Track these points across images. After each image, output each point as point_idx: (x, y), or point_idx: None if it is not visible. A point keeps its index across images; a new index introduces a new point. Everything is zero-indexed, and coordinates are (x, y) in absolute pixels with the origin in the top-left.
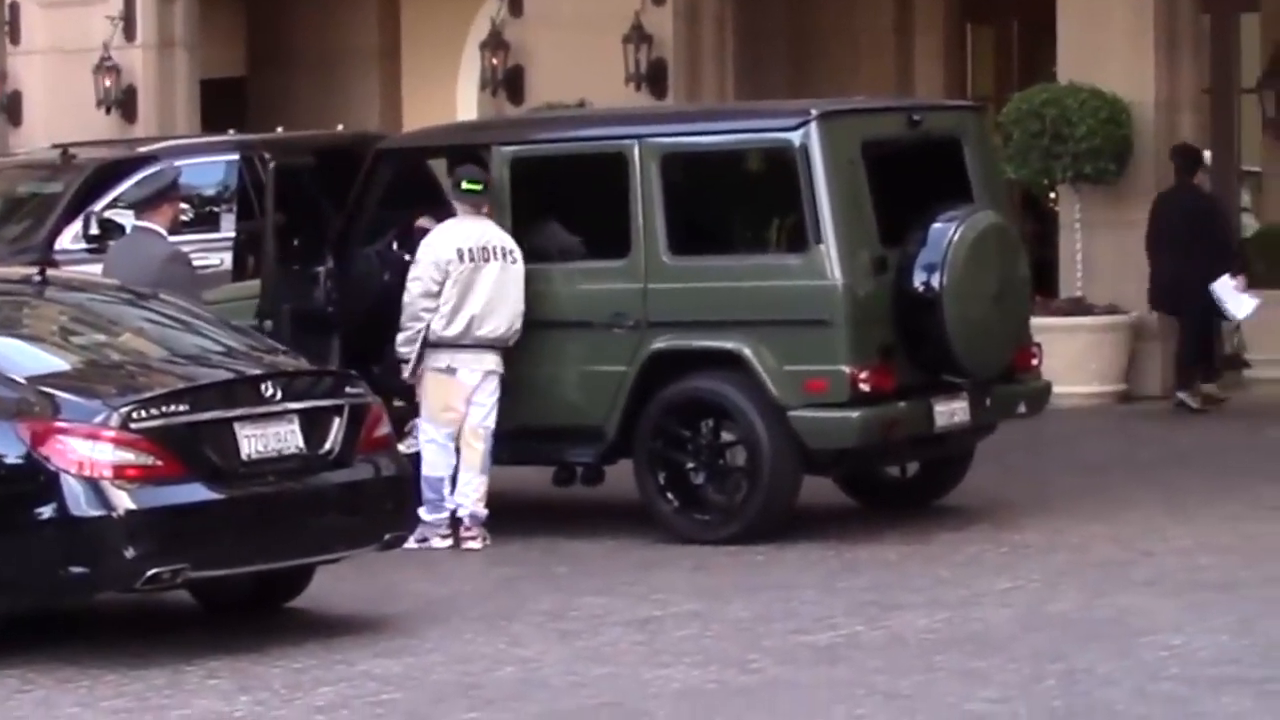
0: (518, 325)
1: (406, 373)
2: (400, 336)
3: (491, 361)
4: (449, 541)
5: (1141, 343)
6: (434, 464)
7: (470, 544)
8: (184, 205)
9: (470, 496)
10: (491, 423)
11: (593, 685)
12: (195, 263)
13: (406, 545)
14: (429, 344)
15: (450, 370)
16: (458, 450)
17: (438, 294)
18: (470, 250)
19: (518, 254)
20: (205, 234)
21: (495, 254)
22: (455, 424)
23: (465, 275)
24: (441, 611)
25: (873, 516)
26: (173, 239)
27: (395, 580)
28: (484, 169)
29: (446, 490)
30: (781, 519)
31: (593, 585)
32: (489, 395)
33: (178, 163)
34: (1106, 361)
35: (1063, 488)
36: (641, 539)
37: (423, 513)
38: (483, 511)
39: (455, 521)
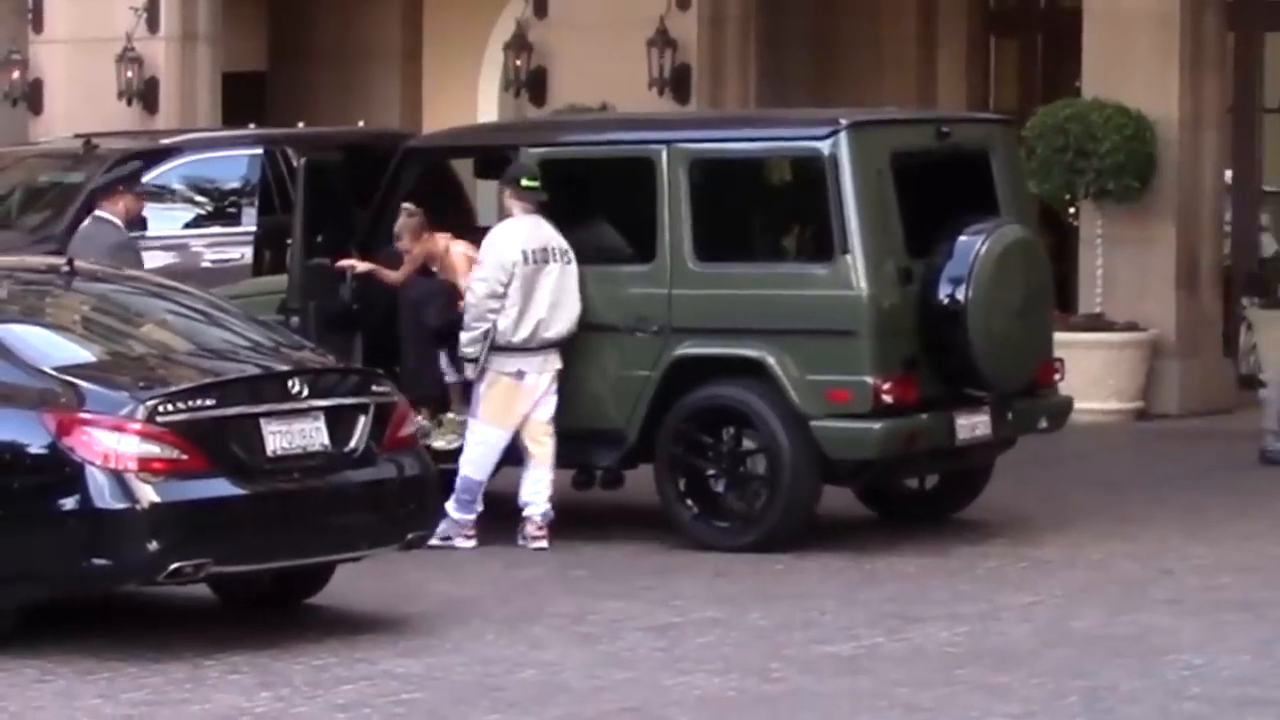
0: (576, 324)
1: (471, 372)
2: (465, 337)
3: (557, 361)
4: (473, 543)
5: (1160, 360)
6: (479, 466)
7: (539, 543)
8: (142, 200)
9: (540, 495)
10: (552, 418)
11: (614, 690)
12: (216, 256)
13: (430, 542)
14: (495, 348)
15: (519, 374)
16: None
17: (503, 295)
18: (533, 252)
19: (571, 253)
20: (226, 228)
21: (554, 255)
22: (516, 427)
23: (528, 277)
24: (463, 612)
25: (891, 528)
26: (194, 231)
27: (417, 580)
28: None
29: (480, 492)
30: (801, 528)
31: (612, 590)
32: (553, 393)
33: (201, 155)
34: (1124, 378)
35: (1081, 504)
36: (660, 545)
37: (451, 508)
38: (552, 511)
39: (521, 519)
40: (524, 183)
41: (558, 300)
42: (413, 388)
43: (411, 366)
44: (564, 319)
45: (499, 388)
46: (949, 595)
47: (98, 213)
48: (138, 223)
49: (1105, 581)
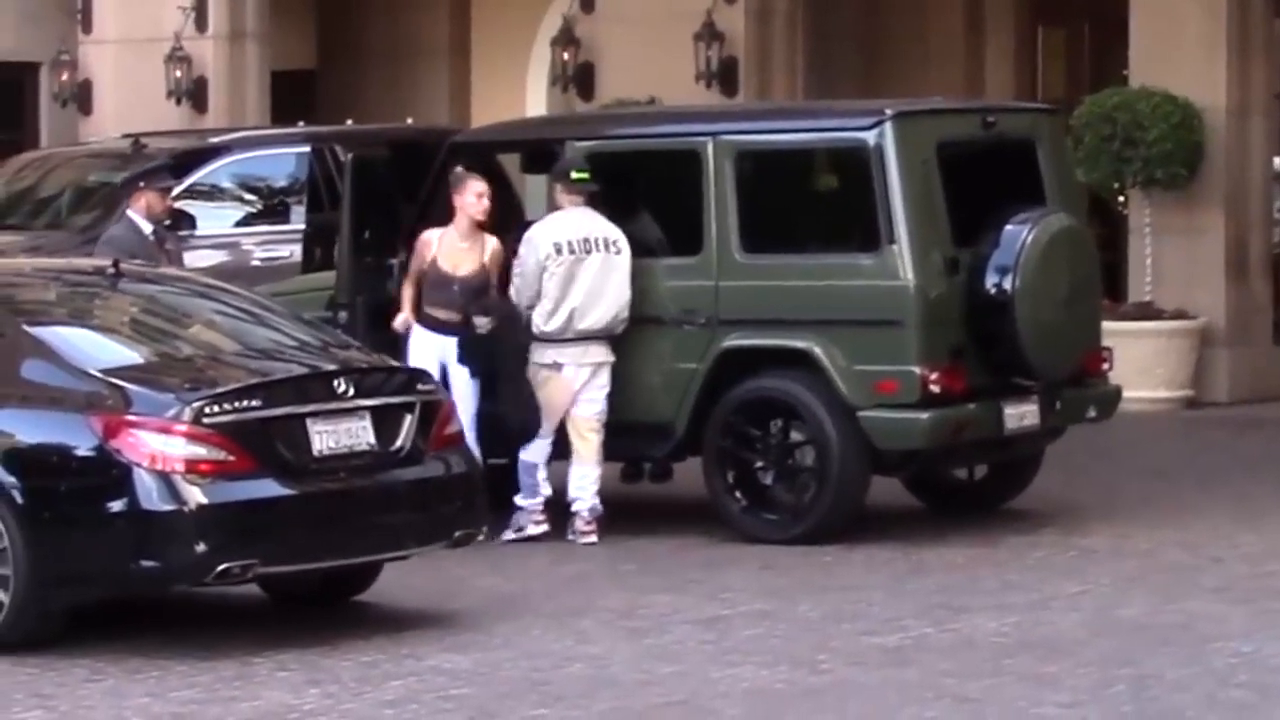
0: (624, 314)
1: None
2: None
3: (599, 353)
4: (545, 527)
5: (1209, 349)
6: (531, 450)
7: (588, 538)
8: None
9: (587, 490)
10: (603, 414)
11: (661, 683)
12: (265, 254)
13: (504, 537)
14: (534, 339)
15: (556, 366)
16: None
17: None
18: (570, 243)
19: (623, 243)
20: (275, 226)
21: (598, 245)
22: (557, 418)
23: (565, 269)
24: (510, 608)
25: (940, 519)
26: (243, 229)
27: (464, 576)
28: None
29: (542, 475)
30: (849, 519)
31: (660, 583)
32: (599, 388)
33: (249, 154)
34: (1174, 367)
35: (1131, 492)
36: (709, 537)
37: (518, 499)
38: (599, 506)
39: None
40: (574, 175)
41: (597, 290)
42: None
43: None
44: (603, 309)
45: (538, 380)
46: (997, 585)
47: (127, 211)
48: (185, 221)
49: (1154, 570)
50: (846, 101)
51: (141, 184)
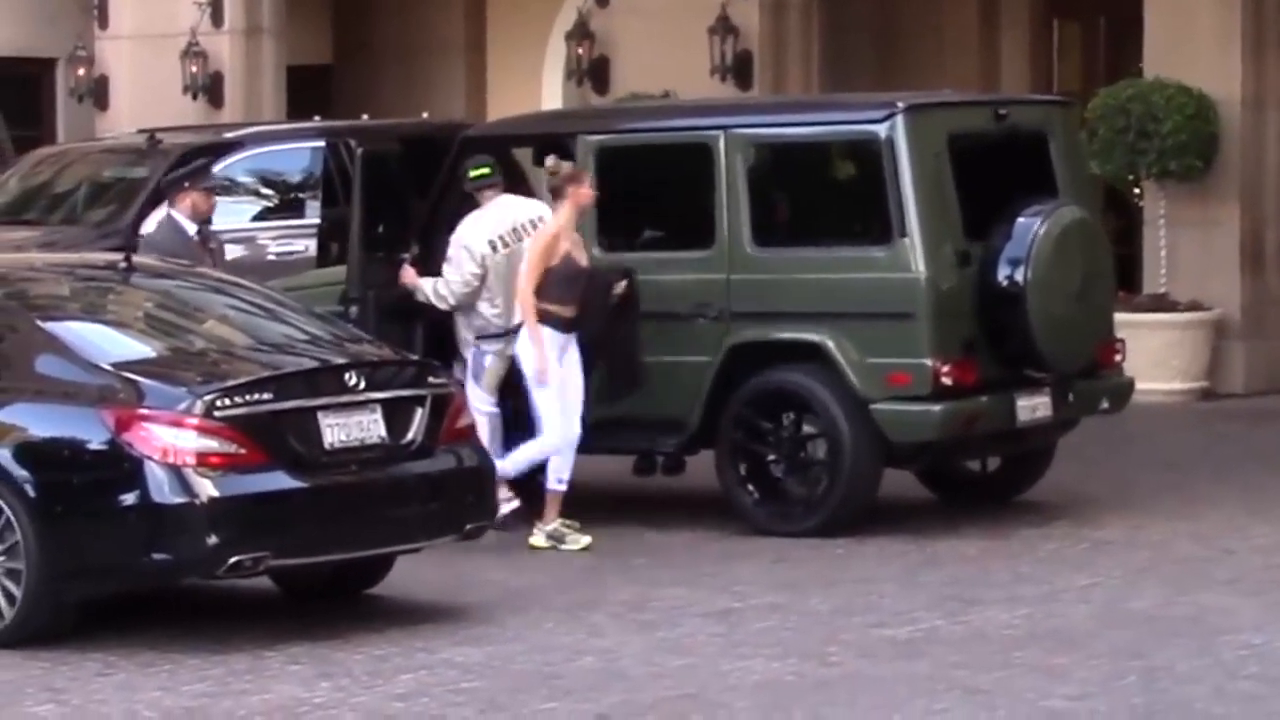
0: None
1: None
2: (429, 292)
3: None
4: (515, 503)
5: (1224, 340)
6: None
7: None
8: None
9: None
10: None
11: (672, 676)
12: (281, 249)
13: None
14: (484, 337)
15: (507, 356)
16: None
17: (478, 284)
18: (502, 237)
19: (547, 215)
20: (290, 220)
21: (526, 229)
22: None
23: (505, 262)
24: (521, 601)
25: (953, 511)
26: (259, 224)
27: (475, 569)
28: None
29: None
30: (862, 512)
31: (672, 576)
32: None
33: (264, 149)
34: (1188, 359)
35: (1144, 484)
36: (721, 530)
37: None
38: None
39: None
40: (471, 175)
41: None
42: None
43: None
44: None
45: (484, 365)
46: (1009, 577)
47: (169, 211)
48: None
49: (1166, 562)
50: (858, 95)
51: (186, 184)
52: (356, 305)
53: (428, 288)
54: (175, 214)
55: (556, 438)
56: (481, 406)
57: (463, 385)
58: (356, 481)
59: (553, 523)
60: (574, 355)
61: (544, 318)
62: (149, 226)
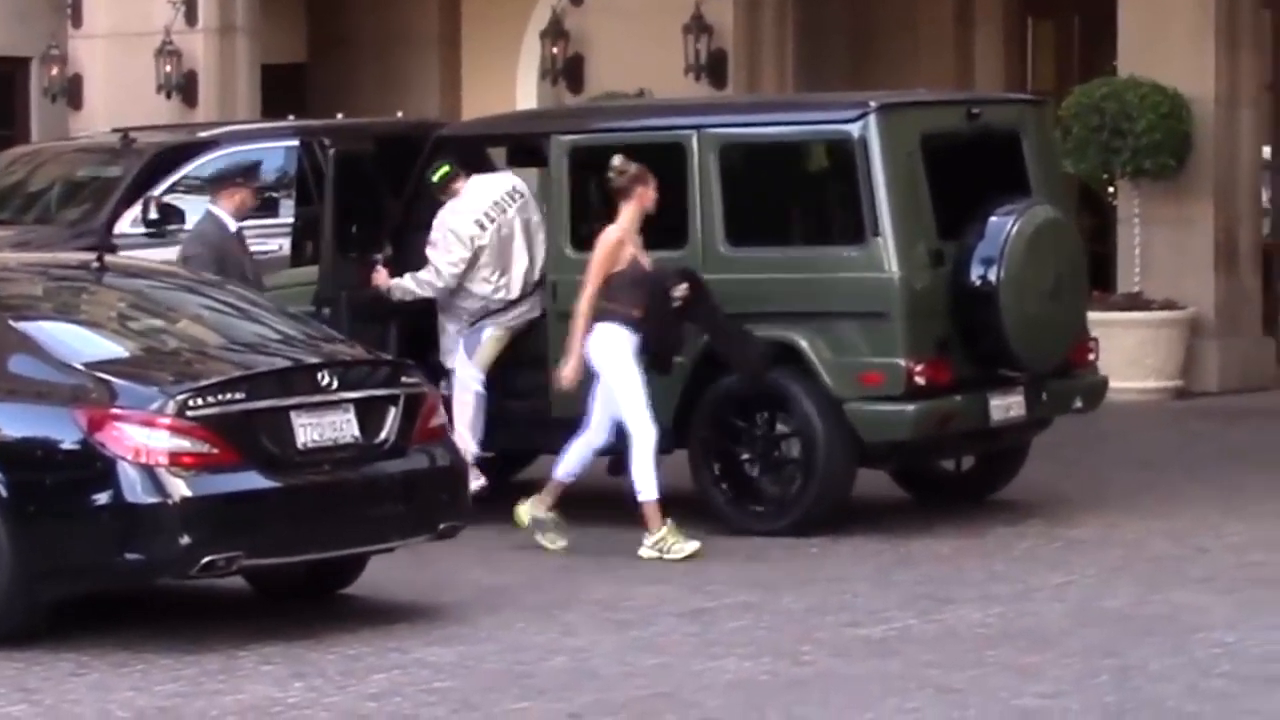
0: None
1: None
2: (412, 286)
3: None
4: (481, 481)
5: (1198, 339)
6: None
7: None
8: (257, 194)
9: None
10: None
11: (644, 675)
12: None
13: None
14: (491, 313)
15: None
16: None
17: (465, 270)
18: (487, 213)
19: (521, 185)
20: (264, 219)
21: (507, 201)
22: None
23: (494, 239)
24: (495, 600)
25: (927, 510)
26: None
27: (449, 569)
28: (539, 158)
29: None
30: (836, 511)
31: (646, 576)
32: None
33: (238, 148)
34: (1163, 357)
35: (1118, 483)
36: (695, 530)
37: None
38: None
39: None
40: (435, 180)
41: (525, 243)
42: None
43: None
44: (537, 259)
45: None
46: (983, 576)
47: (209, 207)
48: (174, 215)
49: (1139, 560)
50: (831, 94)
51: (240, 180)
52: (329, 306)
53: (408, 283)
54: (217, 211)
55: (650, 431)
56: (471, 384)
57: (437, 383)
58: (330, 481)
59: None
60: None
61: (614, 315)
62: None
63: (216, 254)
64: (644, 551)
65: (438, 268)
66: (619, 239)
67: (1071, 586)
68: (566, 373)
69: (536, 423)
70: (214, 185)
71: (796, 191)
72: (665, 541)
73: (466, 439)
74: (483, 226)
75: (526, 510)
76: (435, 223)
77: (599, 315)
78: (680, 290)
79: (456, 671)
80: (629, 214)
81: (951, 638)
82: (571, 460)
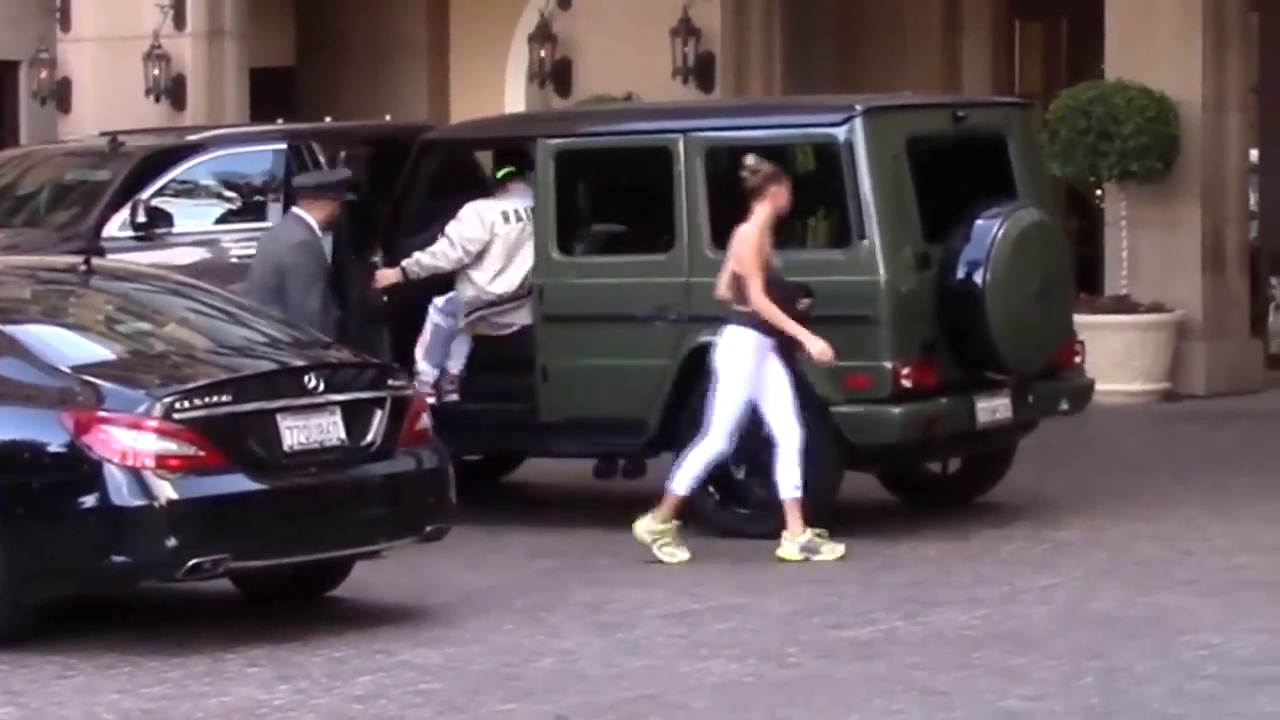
0: None
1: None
2: (427, 260)
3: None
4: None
5: (1185, 341)
6: None
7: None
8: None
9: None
10: None
11: (630, 677)
12: (243, 252)
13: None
14: (480, 307)
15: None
16: None
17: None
18: (516, 212)
19: (525, 211)
20: (252, 223)
21: (524, 214)
22: None
23: (513, 236)
24: (482, 603)
25: (914, 513)
26: (222, 226)
27: (436, 571)
28: (527, 161)
29: None
30: (822, 514)
31: (632, 578)
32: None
33: (226, 151)
34: (1150, 360)
35: (1104, 486)
36: (682, 532)
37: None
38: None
39: None
40: (498, 176)
41: (526, 255)
42: None
43: None
44: (527, 269)
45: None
46: (969, 579)
47: (299, 213)
48: (162, 218)
49: (1126, 563)
50: (817, 97)
51: (332, 191)
52: (341, 310)
53: (423, 257)
54: (309, 219)
55: (722, 443)
56: (440, 320)
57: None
58: (316, 483)
59: (804, 533)
60: (775, 359)
61: (747, 319)
62: (275, 229)
63: (318, 264)
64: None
65: (453, 239)
66: (760, 235)
67: (1058, 589)
68: (823, 348)
69: (526, 426)
70: (303, 193)
71: None
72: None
73: (421, 364)
74: (506, 220)
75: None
76: (463, 209)
77: (730, 318)
78: (804, 304)
79: (443, 673)
80: (762, 213)
81: (937, 640)
82: (790, 472)
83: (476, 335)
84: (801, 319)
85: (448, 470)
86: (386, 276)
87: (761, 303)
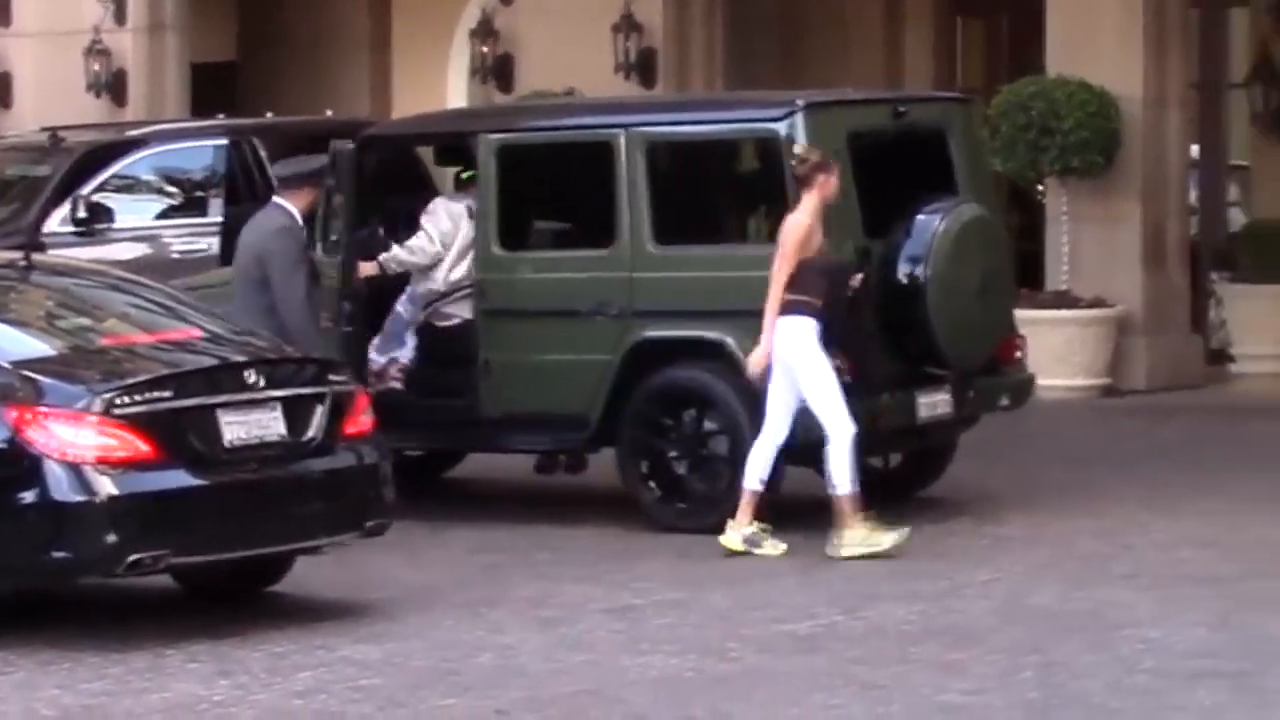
0: None
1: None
2: (404, 255)
3: None
4: None
5: (1126, 337)
6: None
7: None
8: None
9: None
10: None
11: (571, 672)
12: (184, 247)
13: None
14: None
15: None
16: None
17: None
18: (474, 209)
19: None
20: (194, 219)
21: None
22: None
23: (468, 233)
24: (422, 598)
25: None
26: (163, 222)
27: (377, 567)
28: (468, 158)
29: None
30: (762, 509)
31: (574, 573)
32: None
33: (167, 147)
34: (1091, 355)
35: (1045, 481)
36: (623, 528)
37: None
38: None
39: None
40: (465, 179)
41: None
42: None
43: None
44: None
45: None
46: (909, 573)
47: (280, 202)
48: (103, 214)
49: (1066, 557)
50: (758, 93)
51: (312, 180)
52: (351, 300)
53: (400, 253)
54: (289, 207)
55: (848, 425)
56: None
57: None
58: (257, 479)
59: (749, 526)
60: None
61: (802, 307)
62: (257, 218)
63: (300, 250)
64: (843, 551)
65: (430, 234)
66: (808, 226)
67: (998, 584)
68: (758, 359)
69: (468, 422)
70: (283, 183)
71: (724, 190)
72: (868, 537)
73: (371, 353)
74: (470, 215)
75: (733, 533)
76: (432, 204)
77: (784, 308)
78: (856, 280)
79: (383, 669)
80: (811, 202)
81: (877, 634)
82: (758, 465)
83: (423, 325)
84: (854, 300)
85: (388, 465)
86: (366, 269)
87: (775, 290)
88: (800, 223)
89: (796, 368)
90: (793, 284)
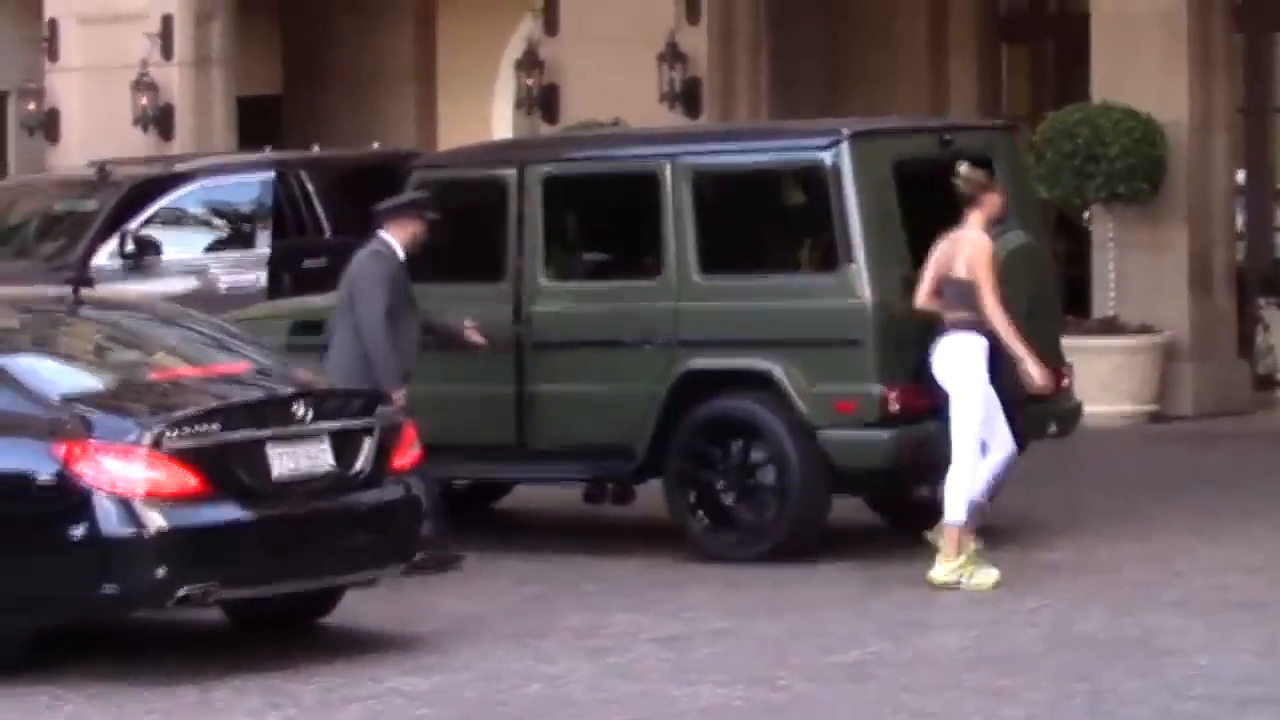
0: None
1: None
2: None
3: None
4: None
5: (1173, 363)
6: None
7: None
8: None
9: None
10: None
11: (620, 702)
12: (232, 280)
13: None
14: None
15: None
16: None
17: None
18: None
19: None
20: (240, 251)
21: None
22: None
23: None
24: (471, 629)
25: (902, 536)
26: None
27: (426, 598)
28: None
29: None
30: (811, 538)
31: (622, 603)
32: None
33: (214, 180)
34: (1138, 382)
35: (1093, 507)
36: (671, 557)
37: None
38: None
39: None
40: None
41: None
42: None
43: None
44: None
45: None
46: (958, 601)
47: (383, 235)
48: (151, 247)
49: (1113, 584)
50: (803, 122)
51: (414, 212)
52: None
53: None
54: (391, 240)
55: (976, 457)
56: None
57: None
58: (305, 512)
59: (957, 559)
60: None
61: (967, 325)
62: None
63: (394, 284)
64: (936, 574)
65: None
66: (988, 244)
67: (1045, 611)
68: (1035, 369)
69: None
70: (387, 215)
71: (770, 219)
72: (965, 569)
73: None
74: None
75: (940, 574)
76: None
77: (950, 326)
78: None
79: (433, 700)
80: (978, 220)
81: (925, 663)
82: (954, 497)
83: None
84: None
85: (425, 499)
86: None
87: (997, 314)
88: (982, 242)
89: (952, 386)
90: (949, 303)
